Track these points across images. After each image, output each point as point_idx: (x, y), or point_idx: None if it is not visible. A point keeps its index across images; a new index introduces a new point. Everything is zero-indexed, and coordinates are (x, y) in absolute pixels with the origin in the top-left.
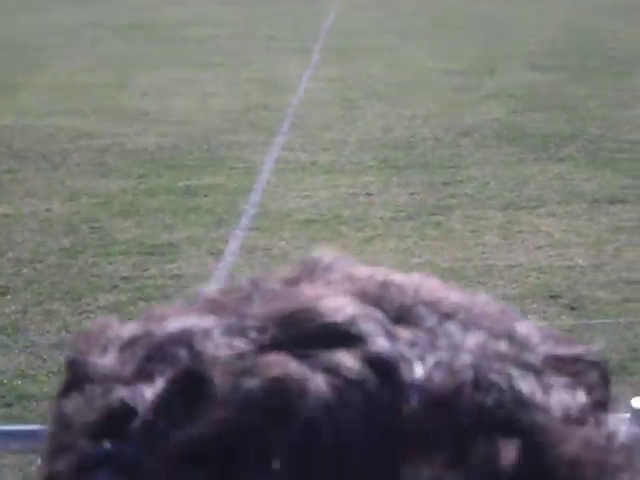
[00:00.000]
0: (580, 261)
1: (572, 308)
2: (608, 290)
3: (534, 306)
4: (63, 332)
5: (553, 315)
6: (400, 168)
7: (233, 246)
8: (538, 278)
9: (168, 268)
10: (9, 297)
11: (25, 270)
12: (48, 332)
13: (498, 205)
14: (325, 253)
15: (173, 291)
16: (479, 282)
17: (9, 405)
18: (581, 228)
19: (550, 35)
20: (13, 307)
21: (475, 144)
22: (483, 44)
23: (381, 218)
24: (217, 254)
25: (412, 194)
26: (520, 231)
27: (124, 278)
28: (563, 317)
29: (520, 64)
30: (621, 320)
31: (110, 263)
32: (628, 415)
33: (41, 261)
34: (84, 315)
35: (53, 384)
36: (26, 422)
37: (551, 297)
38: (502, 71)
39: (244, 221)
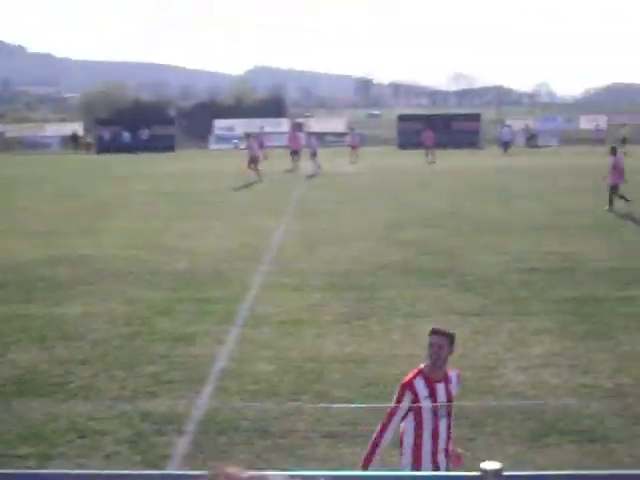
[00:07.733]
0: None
1: None
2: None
3: None
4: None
5: None
6: (341, 289)
7: (231, 337)
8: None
9: (190, 350)
10: (86, 366)
11: (98, 348)
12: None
13: (401, 315)
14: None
15: (193, 366)
16: (387, 364)
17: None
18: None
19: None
20: (89, 372)
21: (387, 275)
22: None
23: (327, 320)
24: (221, 342)
25: (346, 306)
26: (415, 332)
27: (162, 356)
28: None
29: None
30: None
31: (153, 345)
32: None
33: (108, 342)
34: (137, 380)
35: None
36: None
37: None
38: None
39: (239, 320)
